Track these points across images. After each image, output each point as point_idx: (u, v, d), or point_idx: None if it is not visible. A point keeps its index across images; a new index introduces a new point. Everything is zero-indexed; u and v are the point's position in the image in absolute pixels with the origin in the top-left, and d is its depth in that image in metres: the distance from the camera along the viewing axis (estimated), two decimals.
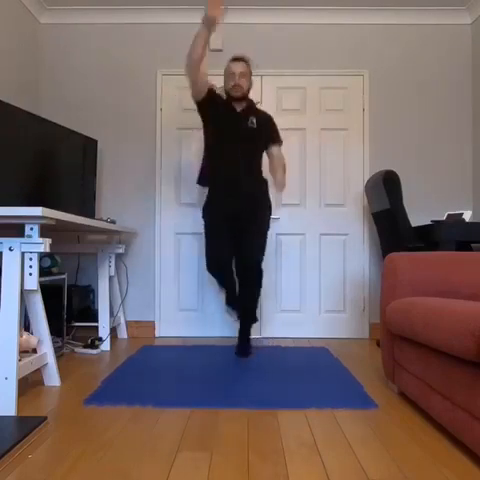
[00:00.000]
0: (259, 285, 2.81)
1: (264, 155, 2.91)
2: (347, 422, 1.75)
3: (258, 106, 3.02)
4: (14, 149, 2.65)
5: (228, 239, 2.75)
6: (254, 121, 2.79)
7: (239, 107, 2.83)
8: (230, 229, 2.76)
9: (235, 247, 2.76)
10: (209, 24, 2.56)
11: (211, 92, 2.80)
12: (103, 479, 1.30)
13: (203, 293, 3.56)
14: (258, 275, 2.77)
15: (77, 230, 3.14)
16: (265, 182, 2.90)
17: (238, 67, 2.77)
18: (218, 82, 3.58)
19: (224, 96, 2.88)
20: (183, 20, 3.60)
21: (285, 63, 3.62)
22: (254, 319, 2.88)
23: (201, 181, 2.95)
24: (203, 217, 2.86)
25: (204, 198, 2.92)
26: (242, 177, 2.76)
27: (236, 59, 2.81)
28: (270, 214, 2.92)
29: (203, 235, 2.86)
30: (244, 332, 2.85)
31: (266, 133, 2.84)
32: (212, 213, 2.81)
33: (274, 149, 2.86)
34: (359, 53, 3.62)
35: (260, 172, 2.88)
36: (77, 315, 3.25)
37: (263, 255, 2.79)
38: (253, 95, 3.57)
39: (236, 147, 2.76)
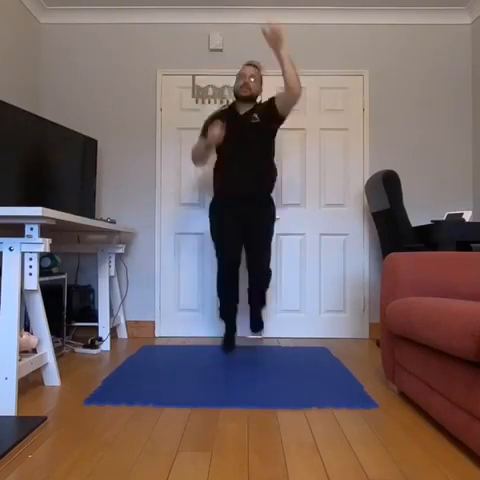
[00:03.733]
0: (268, 284, 3.04)
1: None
2: (347, 422, 1.75)
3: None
4: (14, 149, 2.65)
5: (236, 238, 2.83)
6: (256, 115, 2.82)
7: (243, 110, 2.85)
8: (238, 228, 2.82)
9: (244, 251, 2.90)
10: (209, 144, 2.77)
11: (213, 118, 2.87)
12: (103, 479, 1.30)
13: (203, 293, 3.56)
14: (268, 278, 3.01)
15: (77, 230, 3.14)
16: (271, 186, 2.93)
17: (249, 70, 2.86)
18: (218, 82, 3.59)
19: (226, 106, 2.98)
20: (183, 20, 3.60)
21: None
22: (264, 303, 3.09)
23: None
24: (210, 217, 2.94)
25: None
26: (248, 178, 2.79)
27: (248, 64, 2.90)
28: (274, 217, 2.96)
29: (210, 237, 2.97)
30: (256, 316, 3.05)
31: (271, 108, 2.81)
32: (219, 214, 2.86)
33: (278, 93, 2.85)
34: (359, 53, 3.62)
35: (267, 175, 2.88)
36: (77, 315, 3.24)
37: (270, 258, 2.95)
38: None
39: (243, 149, 2.79)
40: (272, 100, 2.85)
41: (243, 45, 3.61)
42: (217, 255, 2.86)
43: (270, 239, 2.92)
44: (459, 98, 3.59)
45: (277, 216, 3.54)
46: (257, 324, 3.07)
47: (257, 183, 2.82)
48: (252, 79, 2.82)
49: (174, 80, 3.61)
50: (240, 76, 2.86)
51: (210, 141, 2.70)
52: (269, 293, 3.54)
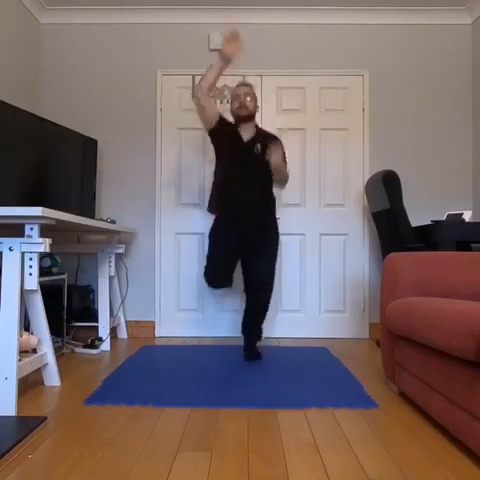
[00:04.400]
0: (266, 310, 2.84)
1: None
2: (347, 422, 1.75)
3: (266, 129, 2.99)
4: (14, 149, 2.65)
5: (230, 264, 2.78)
6: (259, 147, 2.76)
7: (246, 136, 2.79)
8: (235, 254, 2.78)
9: (244, 268, 2.82)
10: (225, 61, 2.67)
11: (221, 122, 2.82)
12: (103, 479, 1.30)
13: (203, 293, 3.56)
14: (269, 296, 2.82)
15: (77, 230, 3.14)
16: (272, 212, 2.85)
17: (243, 89, 2.82)
18: (218, 82, 3.59)
19: (233, 121, 2.90)
20: (183, 20, 3.61)
21: (285, 63, 3.62)
22: (260, 336, 2.89)
23: (210, 208, 2.95)
24: (209, 238, 2.84)
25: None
26: (248, 208, 2.74)
27: (241, 84, 2.88)
28: (278, 240, 2.86)
29: (205, 252, 2.89)
30: (251, 347, 2.82)
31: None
32: (217, 241, 2.79)
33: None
34: (359, 53, 3.62)
35: (267, 201, 2.83)
36: (77, 315, 3.25)
37: (274, 277, 2.81)
38: None
39: (243, 176, 2.74)
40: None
41: (243, 45, 3.60)
42: (205, 268, 2.79)
43: (274, 253, 2.79)
44: (459, 98, 3.60)
45: (277, 216, 3.55)
46: (252, 356, 2.78)
47: (258, 205, 2.77)
48: (248, 98, 2.78)
49: (174, 80, 3.62)
50: (235, 97, 2.82)
51: (227, 52, 2.61)
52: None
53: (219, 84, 3.58)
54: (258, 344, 2.87)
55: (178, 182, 3.61)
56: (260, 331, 2.88)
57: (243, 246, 2.77)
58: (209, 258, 2.80)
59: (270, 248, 2.79)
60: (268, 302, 2.82)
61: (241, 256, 2.81)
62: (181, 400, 1.96)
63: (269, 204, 2.84)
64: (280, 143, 2.75)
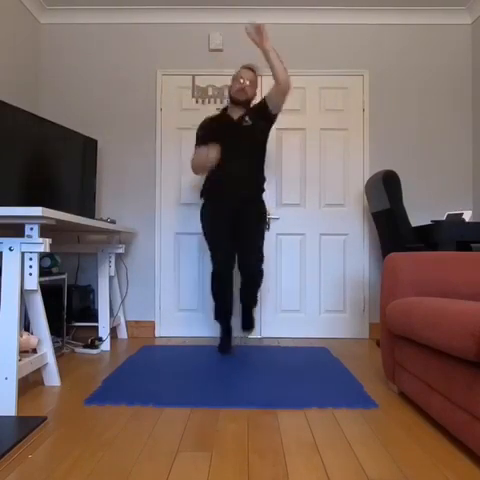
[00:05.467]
0: (260, 284, 2.94)
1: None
2: (347, 422, 1.75)
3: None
4: (14, 149, 2.65)
5: (229, 238, 2.81)
6: (247, 118, 2.81)
7: (236, 114, 2.85)
8: (229, 229, 2.81)
9: (235, 251, 2.85)
10: (208, 163, 2.73)
11: (206, 127, 2.90)
12: (103, 479, 1.30)
13: (203, 293, 3.56)
14: (260, 278, 2.92)
15: (77, 230, 3.14)
16: (262, 189, 2.92)
17: (247, 74, 2.85)
18: (218, 82, 3.59)
19: (217, 112, 2.97)
20: (183, 20, 3.61)
21: (285, 63, 3.61)
22: (255, 302, 3.01)
23: (202, 192, 2.96)
24: (201, 221, 2.92)
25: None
26: (238, 181, 2.78)
27: (247, 67, 2.89)
28: (266, 218, 2.94)
29: (204, 239, 2.92)
30: (248, 316, 2.99)
31: (262, 108, 2.83)
32: (210, 215, 2.85)
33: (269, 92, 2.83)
34: (359, 53, 3.62)
35: (258, 179, 2.88)
36: (77, 315, 3.24)
37: (262, 259, 2.86)
38: None
39: (236, 153, 2.77)
40: (263, 100, 2.86)
41: (243, 45, 3.60)
42: (211, 255, 2.85)
43: (261, 238, 2.86)
44: (459, 98, 3.59)
45: (277, 216, 3.56)
46: (248, 323, 3.01)
47: (247, 185, 2.82)
48: (247, 83, 2.81)
49: (174, 80, 3.61)
50: (236, 79, 2.83)
51: (207, 165, 2.74)
52: (269, 293, 3.56)
53: (220, 84, 3.59)
54: (258, 344, 2.88)
55: (178, 182, 3.61)
56: (256, 300, 3.00)
57: (233, 220, 2.81)
58: (210, 241, 2.85)
59: (258, 223, 2.84)
60: (261, 275, 2.90)
61: (233, 227, 2.84)
62: (181, 400, 1.96)
63: (257, 181, 2.88)
64: (264, 99, 2.83)
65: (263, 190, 2.93)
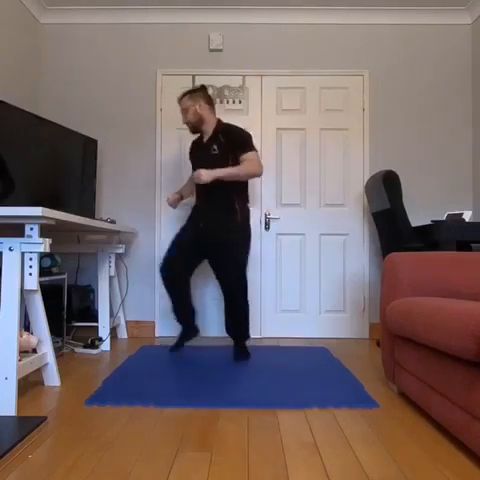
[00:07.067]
0: (243, 301, 2.76)
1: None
2: (347, 422, 1.75)
3: (230, 123, 2.91)
4: (14, 149, 2.65)
5: (190, 255, 2.84)
6: (215, 147, 2.76)
7: (206, 136, 2.85)
8: (193, 248, 2.84)
9: (212, 268, 2.84)
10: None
11: (190, 153, 3.02)
12: (103, 479, 1.30)
13: (203, 293, 3.56)
14: (241, 293, 2.75)
15: (77, 230, 3.14)
16: (235, 211, 2.77)
17: (180, 106, 2.90)
18: (218, 82, 3.60)
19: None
20: (183, 20, 3.60)
21: (285, 63, 3.62)
22: (246, 336, 2.82)
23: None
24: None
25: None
26: (206, 208, 2.82)
27: (178, 99, 2.91)
28: (244, 241, 2.81)
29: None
30: (239, 347, 2.80)
31: (233, 148, 2.73)
32: (180, 232, 2.91)
33: (242, 156, 2.71)
34: (359, 53, 3.62)
35: (228, 201, 2.77)
36: (77, 315, 3.24)
37: (242, 277, 2.75)
38: (253, 95, 3.60)
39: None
40: (235, 137, 2.76)
41: (243, 45, 3.62)
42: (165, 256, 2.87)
43: (234, 263, 2.73)
44: (459, 98, 3.59)
45: (277, 216, 3.56)
46: (239, 356, 2.75)
47: (213, 205, 2.79)
48: (186, 115, 2.84)
49: (174, 80, 3.61)
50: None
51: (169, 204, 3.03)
52: (269, 293, 3.55)
53: (219, 84, 3.60)
54: (257, 344, 2.86)
55: (178, 182, 3.60)
56: (244, 332, 2.80)
57: (202, 246, 2.81)
58: (173, 241, 2.88)
59: (231, 250, 2.73)
60: (242, 306, 2.75)
61: (206, 258, 2.86)
62: (181, 400, 1.96)
63: (226, 203, 2.76)
64: (234, 132, 2.77)
65: (236, 210, 2.77)
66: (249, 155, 2.71)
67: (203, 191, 2.82)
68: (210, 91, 3.57)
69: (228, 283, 2.74)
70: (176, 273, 2.83)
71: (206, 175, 2.63)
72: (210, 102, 2.87)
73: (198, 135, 2.94)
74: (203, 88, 2.90)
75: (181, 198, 3.06)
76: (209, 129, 2.83)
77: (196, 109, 2.81)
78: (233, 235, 2.75)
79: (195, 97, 2.83)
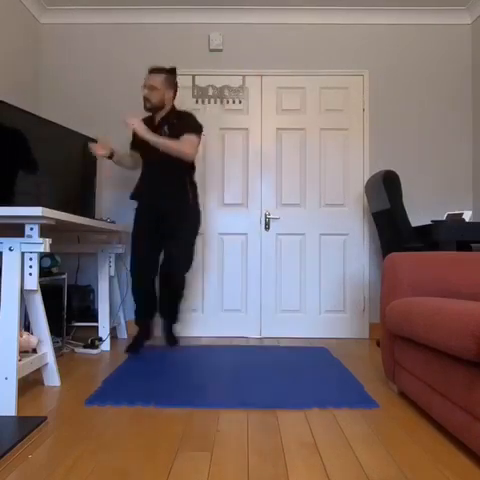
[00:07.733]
0: (184, 284, 2.91)
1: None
2: (347, 422, 1.75)
3: (188, 109, 2.96)
4: (14, 149, 2.64)
5: (152, 242, 2.84)
6: (166, 129, 2.76)
7: (159, 116, 2.84)
8: (154, 236, 2.84)
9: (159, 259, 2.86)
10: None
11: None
12: (103, 479, 1.30)
13: (203, 293, 3.56)
14: (178, 283, 2.87)
15: (77, 230, 3.14)
16: (187, 192, 2.83)
17: (150, 79, 2.79)
18: (218, 82, 3.59)
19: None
20: (183, 20, 3.60)
21: (285, 63, 3.62)
22: (177, 319, 3.01)
23: (131, 195, 2.97)
24: (134, 221, 2.94)
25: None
26: (159, 187, 2.80)
27: (151, 70, 2.83)
28: (195, 225, 2.88)
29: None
30: (168, 330, 2.98)
31: (181, 131, 2.74)
32: (138, 221, 2.88)
33: (184, 136, 2.72)
34: (359, 53, 3.62)
35: (180, 182, 2.81)
36: (77, 315, 3.24)
37: (185, 269, 2.83)
38: (253, 95, 3.60)
39: (153, 159, 2.79)
40: (185, 119, 2.78)
41: (243, 45, 3.61)
42: (131, 253, 2.88)
43: (186, 245, 2.82)
44: (459, 98, 3.59)
45: (277, 216, 3.56)
46: (170, 339, 2.97)
47: (169, 191, 2.80)
48: (152, 92, 2.76)
49: None
50: (142, 86, 2.80)
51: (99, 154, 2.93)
52: (269, 293, 3.55)
53: (219, 84, 3.59)
54: (258, 344, 2.87)
55: None
56: (177, 315, 2.99)
57: (158, 229, 2.81)
58: (132, 245, 2.86)
59: (183, 232, 2.80)
60: (183, 290, 2.91)
61: (160, 242, 2.85)
62: (181, 400, 1.96)
63: (178, 185, 2.80)
64: (185, 116, 2.79)
65: (187, 191, 2.83)
66: (189, 137, 2.72)
67: (154, 171, 2.80)
68: (210, 91, 3.59)
69: (174, 266, 2.79)
70: (149, 272, 2.86)
71: (138, 124, 2.62)
72: (176, 90, 2.88)
73: (150, 114, 2.91)
74: (175, 72, 2.87)
75: (111, 155, 2.96)
76: (163, 112, 2.85)
77: (164, 94, 2.79)
78: (186, 217, 2.81)
79: (169, 84, 2.81)
